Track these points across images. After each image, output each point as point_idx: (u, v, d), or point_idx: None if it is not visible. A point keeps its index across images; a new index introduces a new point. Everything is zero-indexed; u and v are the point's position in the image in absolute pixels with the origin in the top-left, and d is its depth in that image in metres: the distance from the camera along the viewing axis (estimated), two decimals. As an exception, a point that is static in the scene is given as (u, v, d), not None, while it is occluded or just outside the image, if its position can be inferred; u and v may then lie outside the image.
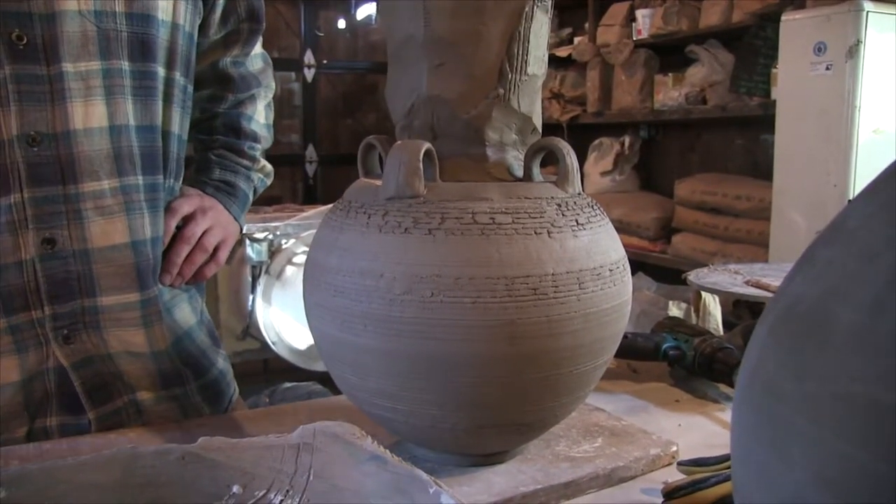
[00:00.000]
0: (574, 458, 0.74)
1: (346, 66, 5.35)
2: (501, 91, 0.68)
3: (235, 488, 0.58)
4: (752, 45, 3.32)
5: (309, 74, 4.92)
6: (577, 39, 4.40)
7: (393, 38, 0.71)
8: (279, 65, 4.93)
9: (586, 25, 4.31)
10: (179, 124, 0.97)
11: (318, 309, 0.67)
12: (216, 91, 1.10)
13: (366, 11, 5.52)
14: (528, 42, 0.68)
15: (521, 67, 0.68)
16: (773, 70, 3.18)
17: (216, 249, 1.03)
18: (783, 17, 2.93)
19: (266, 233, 2.84)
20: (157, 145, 0.93)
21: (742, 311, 2.86)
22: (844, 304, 0.27)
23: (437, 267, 0.61)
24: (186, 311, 1.00)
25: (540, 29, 0.69)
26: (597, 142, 4.29)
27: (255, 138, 1.13)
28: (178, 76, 0.95)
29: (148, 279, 0.92)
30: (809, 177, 2.82)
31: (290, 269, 2.86)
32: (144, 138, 0.91)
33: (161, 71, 0.92)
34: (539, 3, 0.69)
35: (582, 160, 4.31)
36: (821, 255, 0.30)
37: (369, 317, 0.63)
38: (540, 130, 0.73)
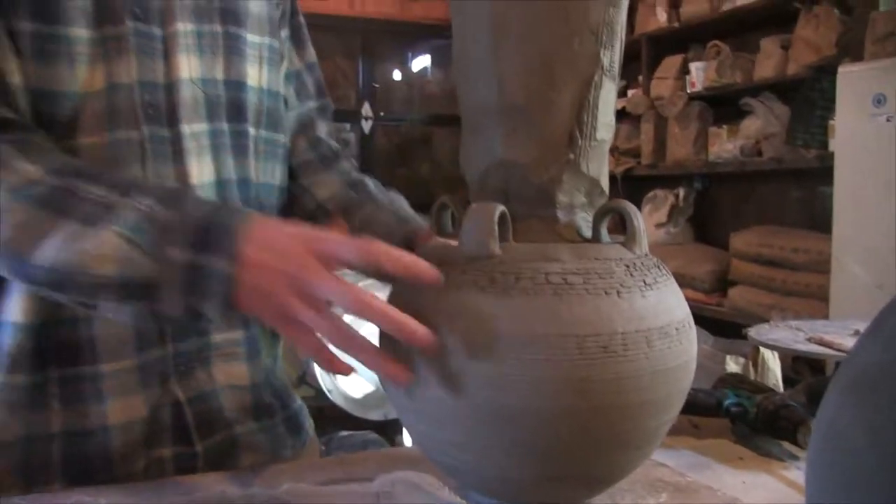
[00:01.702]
0: (640, 513, 0.75)
1: (402, 118, 5.46)
2: (571, 156, 0.71)
3: (318, 535, 0.60)
4: (808, 97, 3.32)
5: (366, 126, 5.03)
6: (630, 92, 4.44)
7: (467, 104, 0.75)
8: (337, 116, 5.04)
9: (640, 78, 4.35)
10: (272, 175, 1.03)
11: (394, 362, 0.70)
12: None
13: (421, 63, 5.64)
14: (597, 109, 0.72)
15: (590, 133, 0.72)
16: (830, 122, 3.17)
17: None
18: (840, 70, 2.93)
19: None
20: (252, 197, 0.99)
21: (801, 366, 2.82)
22: (917, 374, 0.29)
23: (511, 325, 0.64)
24: (277, 350, 1.06)
25: (608, 96, 0.73)
26: (651, 194, 4.30)
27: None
28: (265, 132, 1.01)
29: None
30: (870, 229, 2.79)
31: (346, 317, 2.90)
32: (242, 190, 0.97)
33: (251, 130, 0.99)
34: (607, 72, 0.72)
35: (636, 212, 4.32)
36: (890, 321, 0.33)
37: (444, 371, 0.66)
38: (607, 192, 0.76)
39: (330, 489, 0.63)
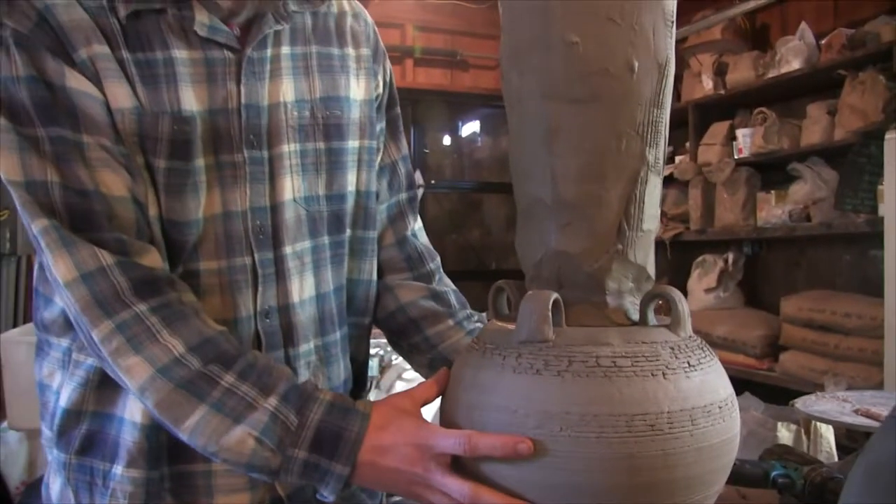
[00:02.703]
0: (690, 583, 0.78)
1: (453, 186, 5.58)
2: (620, 246, 0.77)
3: None
4: (856, 163, 3.33)
5: (417, 193, 5.14)
6: (678, 158, 4.48)
7: (522, 197, 0.82)
8: (389, 184, 5.18)
9: (687, 144, 4.39)
10: (367, 272, 1.08)
11: (457, 439, 0.76)
12: (414, 274, 1.15)
13: (471, 131, 5.77)
14: (644, 202, 0.78)
15: (637, 225, 0.78)
16: (880, 187, 3.17)
17: None
18: (887, 136, 2.94)
19: (377, 349, 2.95)
20: (346, 299, 1.05)
21: (857, 433, 2.79)
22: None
23: (565, 405, 0.69)
24: None
25: (654, 190, 0.79)
26: (700, 258, 4.31)
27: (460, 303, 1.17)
28: (363, 232, 1.07)
29: None
30: (921, 294, 2.77)
31: (399, 385, 2.95)
32: (337, 297, 1.04)
33: (348, 232, 1.04)
34: (652, 168, 0.78)
35: (685, 277, 4.32)
36: (893, 421, 0.38)
37: (504, 448, 0.71)
38: (653, 278, 0.81)
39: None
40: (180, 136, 0.90)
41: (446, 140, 5.70)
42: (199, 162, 0.92)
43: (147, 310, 0.85)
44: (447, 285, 1.16)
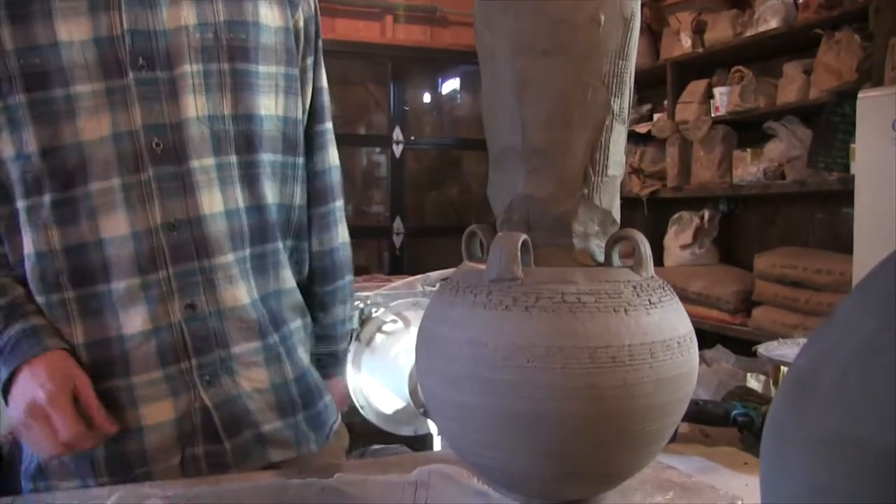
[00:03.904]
0: (648, 507, 0.84)
1: (432, 143, 5.60)
2: (586, 191, 0.81)
3: (366, 517, 0.71)
4: (830, 122, 3.39)
5: (397, 150, 5.16)
6: (656, 116, 4.53)
7: (494, 146, 0.85)
8: (369, 141, 5.23)
9: (665, 102, 4.43)
10: (290, 196, 1.15)
11: (431, 371, 0.81)
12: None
13: (450, 88, 5.77)
14: (609, 150, 0.82)
15: (602, 171, 0.82)
16: (852, 145, 3.22)
17: None
18: (860, 95, 2.99)
19: (357, 301, 2.99)
20: (266, 220, 1.10)
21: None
22: (825, 371, 0.39)
23: (532, 338, 0.74)
24: (302, 354, 1.18)
25: (618, 138, 0.83)
26: (676, 216, 4.37)
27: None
28: (284, 157, 1.12)
29: (266, 329, 1.10)
30: (890, 250, 2.82)
31: (379, 337, 3.00)
32: (251, 216, 1.08)
33: (265, 157, 1.09)
34: (617, 117, 0.82)
35: (662, 234, 4.39)
36: (816, 336, 0.43)
37: (475, 379, 0.76)
38: (618, 222, 0.86)
39: (374, 479, 0.73)
40: (32, 69, 0.96)
41: (426, 97, 5.71)
42: (77, 89, 0.97)
43: None
44: (336, 239, 1.26)
